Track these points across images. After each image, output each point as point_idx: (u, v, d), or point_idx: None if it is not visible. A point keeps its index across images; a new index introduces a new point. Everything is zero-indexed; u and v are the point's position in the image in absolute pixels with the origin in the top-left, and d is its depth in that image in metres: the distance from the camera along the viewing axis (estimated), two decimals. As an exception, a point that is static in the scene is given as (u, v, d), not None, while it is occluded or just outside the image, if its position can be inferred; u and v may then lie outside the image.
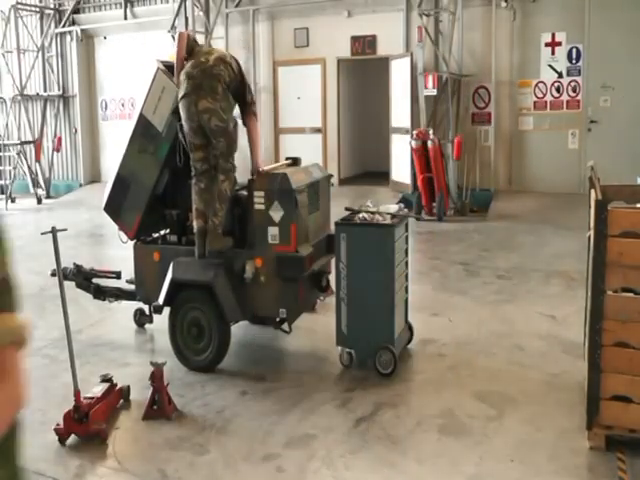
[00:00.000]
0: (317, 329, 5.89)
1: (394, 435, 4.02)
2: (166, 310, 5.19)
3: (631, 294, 3.78)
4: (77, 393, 4.03)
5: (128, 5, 15.48)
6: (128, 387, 4.58)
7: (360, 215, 4.97)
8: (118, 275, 5.90)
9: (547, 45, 11.84)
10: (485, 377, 4.82)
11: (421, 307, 6.28)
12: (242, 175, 5.45)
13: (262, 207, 4.88)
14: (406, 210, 5.32)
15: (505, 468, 3.64)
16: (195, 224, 4.95)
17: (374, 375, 4.82)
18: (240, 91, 5.08)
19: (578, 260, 7.54)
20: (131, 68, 14.88)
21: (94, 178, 16.50)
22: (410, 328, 5.42)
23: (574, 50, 11.67)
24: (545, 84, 11.94)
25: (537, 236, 9.73)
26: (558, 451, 3.78)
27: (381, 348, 4.80)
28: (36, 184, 15.90)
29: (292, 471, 3.67)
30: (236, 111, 5.26)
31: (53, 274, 5.09)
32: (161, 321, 5.58)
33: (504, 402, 4.40)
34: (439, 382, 4.77)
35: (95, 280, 5.95)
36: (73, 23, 16.30)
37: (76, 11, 16.31)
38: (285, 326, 5.20)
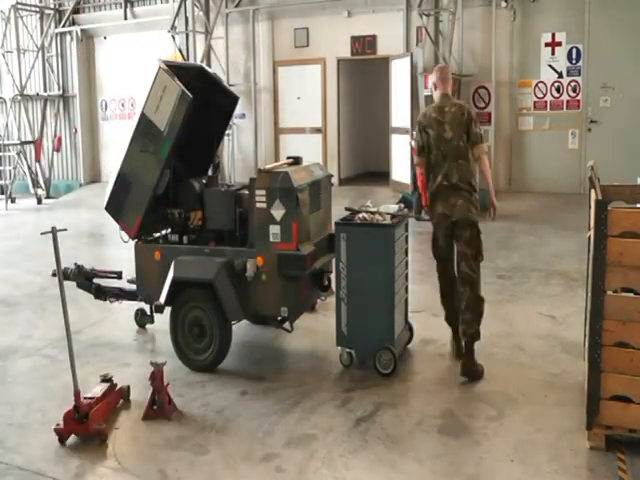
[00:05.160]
0: (317, 329, 5.89)
1: (394, 435, 4.02)
2: (167, 310, 5.19)
3: (631, 294, 3.78)
4: (77, 393, 4.02)
5: (128, 5, 15.48)
6: (128, 387, 4.58)
7: (360, 215, 4.97)
8: (119, 275, 5.91)
9: (547, 45, 11.85)
10: (485, 377, 4.82)
11: (421, 307, 6.29)
12: (243, 175, 5.46)
13: (263, 205, 4.87)
14: (406, 210, 5.32)
15: (505, 468, 3.65)
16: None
17: (374, 375, 4.82)
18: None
19: (578, 260, 7.55)
20: (131, 68, 14.88)
21: (94, 178, 16.50)
22: (410, 328, 5.43)
23: (574, 50, 11.67)
24: (545, 84, 11.95)
25: (537, 236, 9.74)
26: (558, 451, 3.78)
27: (381, 348, 4.80)
28: (36, 184, 15.92)
29: (292, 471, 3.67)
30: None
31: (54, 274, 5.09)
32: (161, 321, 5.59)
33: (504, 402, 4.41)
34: (439, 382, 4.77)
35: (96, 280, 5.95)
36: (73, 23, 16.30)
37: (76, 11, 16.32)
38: (286, 325, 5.20)
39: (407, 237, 5.27)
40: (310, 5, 13.36)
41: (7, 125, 16.63)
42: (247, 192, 5.13)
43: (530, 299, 6.71)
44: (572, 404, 4.30)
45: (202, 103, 5.36)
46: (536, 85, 12.01)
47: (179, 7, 13.78)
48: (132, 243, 5.48)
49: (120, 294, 5.88)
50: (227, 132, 12.04)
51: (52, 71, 16.53)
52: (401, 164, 12.53)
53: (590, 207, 4.23)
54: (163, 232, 5.60)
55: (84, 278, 5.89)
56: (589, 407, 3.76)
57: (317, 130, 13.84)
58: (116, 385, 4.49)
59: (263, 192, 4.87)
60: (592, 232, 3.83)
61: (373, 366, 4.84)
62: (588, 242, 4.25)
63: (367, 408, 4.36)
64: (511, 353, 5.28)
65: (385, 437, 4.00)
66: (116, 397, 4.46)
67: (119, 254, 6.97)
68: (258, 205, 4.89)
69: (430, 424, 4.14)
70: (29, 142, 16.05)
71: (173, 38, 13.96)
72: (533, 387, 4.63)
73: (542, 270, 7.80)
